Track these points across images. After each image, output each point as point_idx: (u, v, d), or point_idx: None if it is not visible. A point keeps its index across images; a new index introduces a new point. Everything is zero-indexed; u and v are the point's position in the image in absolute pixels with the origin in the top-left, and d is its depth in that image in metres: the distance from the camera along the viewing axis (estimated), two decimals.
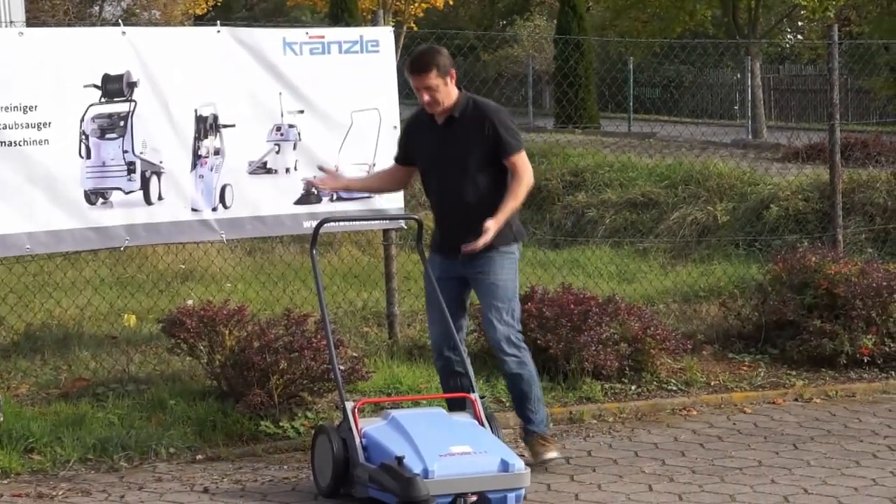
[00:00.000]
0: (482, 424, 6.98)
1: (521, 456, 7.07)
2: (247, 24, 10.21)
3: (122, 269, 11.87)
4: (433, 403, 7.64)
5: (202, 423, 7.96)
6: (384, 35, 9.40)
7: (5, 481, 7.27)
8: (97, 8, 33.62)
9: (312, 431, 7.25)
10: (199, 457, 7.73)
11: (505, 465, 6.54)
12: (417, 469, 6.39)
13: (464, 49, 16.81)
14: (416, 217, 7.77)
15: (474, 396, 7.13)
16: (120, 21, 12.70)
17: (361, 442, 6.73)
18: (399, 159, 7.65)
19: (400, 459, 6.40)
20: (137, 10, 33.26)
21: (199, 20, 33.46)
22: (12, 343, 9.33)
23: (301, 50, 9.12)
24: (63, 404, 8.13)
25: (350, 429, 6.79)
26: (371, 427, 6.82)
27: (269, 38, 9.10)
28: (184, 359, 8.63)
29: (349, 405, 6.87)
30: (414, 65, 7.21)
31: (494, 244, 7.26)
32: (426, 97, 7.20)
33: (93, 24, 25.48)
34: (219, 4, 36.40)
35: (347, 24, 22.93)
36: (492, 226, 7.12)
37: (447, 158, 7.29)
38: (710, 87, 33.90)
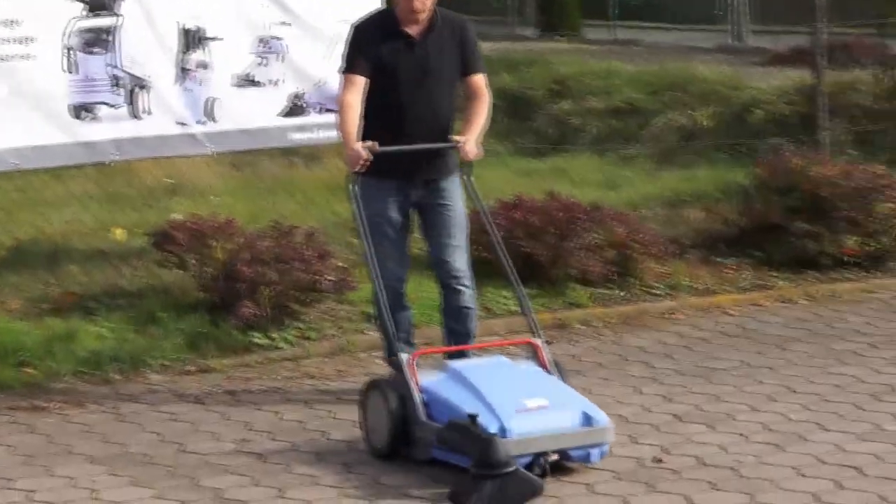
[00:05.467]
0: (549, 373, 6.44)
1: None
2: None
3: (110, 183, 11.88)
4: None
5: (193, 336, 8.04)
6: None
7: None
8: None
9: (363, 387, 6.52)
10: (190, 368, 7.83)
11: (587, 419, 6.02)
12: (493, 428, 5.80)
13: None
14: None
15: (538, 342, 6.53)
16: None
17: (422, 398, 6.13)
18: (364, 72, 6.78)
19: (473, 417, 5.79)
20: None
21: None
22: (1, 259, 9.36)
23: None
24: (54, 318, 8.19)
25: (407, 383, 6.18)
26: (430, 381, 6.20)
27: None
28: (173, 272, 8.68)
29: (404, 357, 6.27)
30: None
31: (454, 168, 6.92)
32: (418, 4, 6.70)
33: None
34: None
35: None
36: (472, 140, 6.74)
37: (427, 73, 6.81)
38: None
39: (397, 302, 6.87)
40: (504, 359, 6.53)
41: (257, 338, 8.06)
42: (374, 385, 6.39)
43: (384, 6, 6.99)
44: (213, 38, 8.90)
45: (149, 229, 9.62)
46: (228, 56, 8.95)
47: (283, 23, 9.12)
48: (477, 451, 5.67)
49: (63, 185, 10.97)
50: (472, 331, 7.01)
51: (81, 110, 8.53)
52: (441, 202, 6.90)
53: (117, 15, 8.59)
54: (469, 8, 25.64)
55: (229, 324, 8.04)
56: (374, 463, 6.25)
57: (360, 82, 6.75)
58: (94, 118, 8.57)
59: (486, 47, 18.87)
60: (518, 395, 6.07)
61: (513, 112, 16.26)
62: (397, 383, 6.24)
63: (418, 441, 6.10)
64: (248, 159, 13.19)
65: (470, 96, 6.94)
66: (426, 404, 6.09)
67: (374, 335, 8.25)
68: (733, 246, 10.05)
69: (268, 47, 9.07)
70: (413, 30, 6.82)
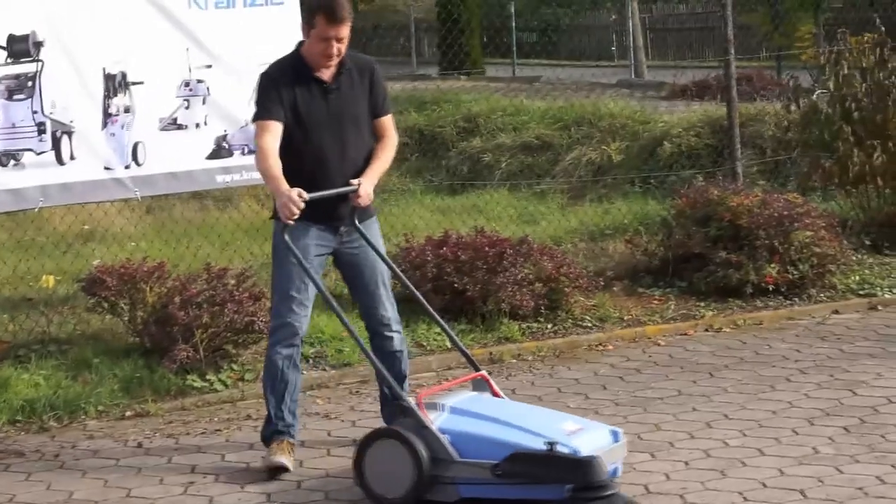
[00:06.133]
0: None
1: None
2: None
3: (22, 232, 11.78)
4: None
5: (129, 381, 8.00)
6: None
7: None
8: None
9: (360, 441, 6.27)
10: (128, 413, 7.78)
11: (615, 436, 6.15)
12: (567, 451, 5.84)
13: None
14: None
15: (484, 373, 6.61)
16: None
17: (448, 438, 6.03)
18: (279, 117, 6.58)
19: (552, 445, 5.81)
20: None
21: None
22: None
23: (206, 4, 9.10)
24: None
25: (423, 426, 6.05)
26: (442, 422, 6.11)
27: None
28: (104, 317, 8.64)
29: (412, 400, 6.18)
30: (338, 12, 6.53)
31: (373, 212, 6.87)
32: (332, 51, 6.56)
33: None
34: None
35: None
36: (369, 185, 6.59)
37: (342, 117, 6.68)
38: (588, 29, 34.17)
39: (290, 349, 6.75)
40: (481, 394, 6.47)
41: (193, 381, 8.03)
42: (383, 434, 6.19)
43: (296, 50, 6.76)
44: (136, 83, 8.85)
45: (76, 275, 9.62)
46: (153, 100, 8.89)
47: (206, 66, 9.11)
48: (577, 474, 5.71)
49: None
50: (404, 372, 6.97)
51: (6, 157, 8.44)
52: (362, 248, 6.77)
53: (39, 61, 8.52)
54: (369, 48, 25.88)
55: (164, 367, 8.01)
56: (323, 501, 6.27)
57: (277, 127, 6.57)
58: (19, 165, 8.48)
59: (393, 87, 19.07)
60: (550, 421, 6.17)
61: (424, 150, 16.42)
62: (411, 427, 6.07)
63: (447, 481, 5.99)
64: (161, 203, 13.17)
65: (377, 138, 6.83)
66: (452, 444, 6.02)
67: (310, 374, 8.30)
68: (657, 277, 10.23)
69: (191, 90, 9.05)
70: (324, 74, 6.68)
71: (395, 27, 34.38)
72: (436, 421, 6.08)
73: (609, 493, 5.75)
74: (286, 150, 6.59)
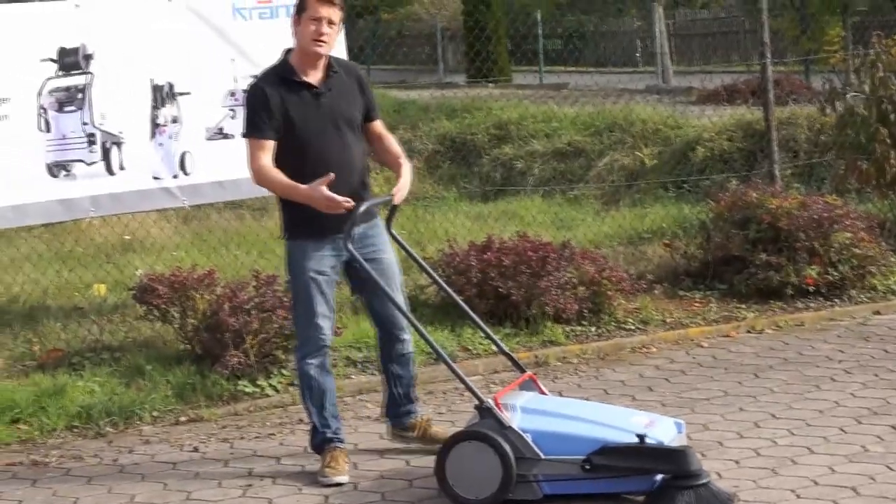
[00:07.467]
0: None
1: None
2: None
3: (60, 243, 11.92)
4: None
5: (181, 387, 8.10)
6: None
7: None
8: None
9: (441, 446, 6.29)
10: (182, 418, 7.88)
11: (679, 427, 6.28)
12: (653, 443, 5.98)
13: (367, 8, 16.88)
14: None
15: (532, 374, 6.72)
16: None
17: (529, 437, 6.10)
18: (272, 135, 6.55)
19: (642, 437, 5.94)
20: None
21: None
22: None
23: (250, 15, 9.27)
24: (41, 375, 8.21)
25: (504, 426, 6.12)
26: (520, 421, 6.17)
27: (218, 4, 9.23)
28: (154, 325, 8.75)
29: (491, 401, 6.22)
30: None
31: (375, 212, 6.83)
32: (325, 30, 6.51)
33: None
34: None
35: None
36: (404, 186, 6.60)
37: (337, 119, 6.62)
38: (613, 36, 34.26)
39: (320, 358, 6.79)
40: (540, 394, 6.56)
41: (245, 386, 8.13)
42: (466, 436, 6.20)
43: (282, 58, 6.73)
44: (183, 93, 9.00)
45: (118, 284, 9.76)
46: (199, 110, 9.05)
47: (251, 75, 9.18)
48: (674, 464, 5.88)
49: (13, 248, 11.03)
50: (414, 374, 7.09)
51: (57, 168, 8.58)
52: (372, 255, 6.74)
53: (89, 73, 8.67)
54: (396, 58, 26.00)
55: (216, 373, 8.11)
56: (380, 502, 6.37)
57: (269, 146, 6.53)
58: (70, 175, 8.63)
59: (422, 95, 19.17)
60: (620, 415, 6.34)
61: (456, 157, 16.49)
62: (494, 428, 6.13)
63: (529, 481, 6.05)
64: (197, 213, 13.29)
65: (376, 140, 6.82)
66: (534, 442, 6.09)
67: (359, 379, 8.40)
68: (696, 279, 10.31)
69: (236, 100, 9.17)
70: (313, 78, 6.63)
71: (420, 35, 34.54)
72: (513, 420, 6.15)
73: (703, 481, 5.90)
74: (285, 161, 6.54)
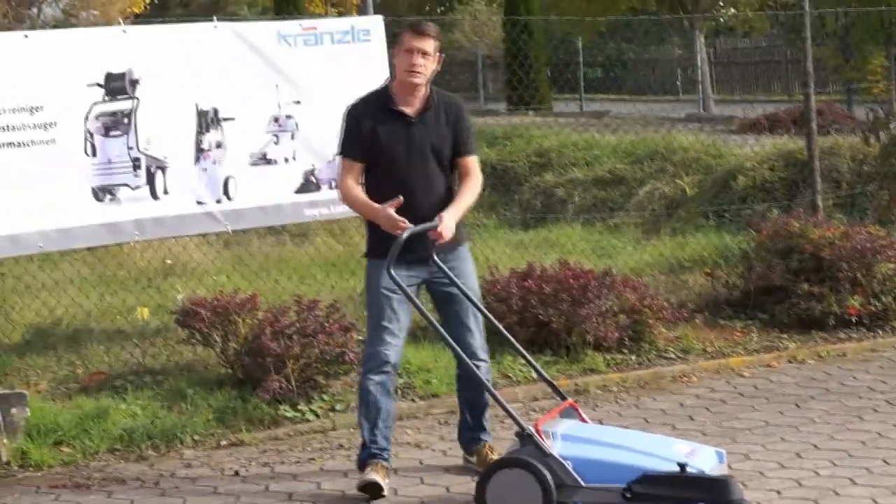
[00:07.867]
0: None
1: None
2: (239, 19, 10.37)
3: (103, 267, 12.00)
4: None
5: (223, 411, 8.13)
6: (375, 24, 9.61)
7: (39, 474, 7.43)
8: (35, 9, 33.46)
9: (482, 473, 6.34)
10: (223, 442, 7.91)
11: (720, 457, 6.27)
12: (694, 472, 5.98)
13: None
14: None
15: (572, 401, 6.72)
16: (121, 21, 12.77)
17: (570, 464, 6.12)
18: (359, 157, 6.87)
19: (683, 466, 5.95)
20: (75, 11, 33.14)
21: (138, 18, 33.41)
22: (21, 342, 9.45)
23: (295, 42, 9.32)
24: (84, 398, 8.26)
25: (547, 453, 6.15)
26: (560, 448, 6.19)
27: (264, 31, 9.31)
28: (196, 349, 8.80)
29: (531, 428, 6.26)
30: (422, 26, 6.84)
31: (461, 240, 6.98)
32: (418, 61, 6.74)
33: (88, 26, 25.43)
34: (156, 2, 36.35)
35: (292, 17, 23.02)
36: (451, 220, 6.66)
37: (426, 152, 6.84)
38: (654, 64, 34.28)
39: (380, 376, 6.86)
40: (580, 421, 6.56)
41: (286, 411, 8.15)
42: (507, 463, 6.22)
43: (385, 84, 6.96)
44: (227, 119, 9.05)
45: (160, 308, 9.82)
46: (243, 135, 9.10)
47: (295, 101, 9.29)
48: (715, 494, 5.85)
49: (59, 271, 11.10)
50: (487, 401, 7.11)
51: (102, 192, 8.64)
52: (451, 279, 6.89)
53: (135, 98, 8.73)
54: (438, 86, 26.08)
55: (257, 398, 8.14)
56: None
57: (357, 167, 6.87)
58: (115, 199, 8.68)
59: None
60: (661, 444, 6.35)
61: (497, 185, 16.53)
62: (534, 455, 6.15)
63: None
64: (238, 238, 13.35)
65: (461, 176, 6.95)
66: (575, 470, 6.11)
67: (399, 405, 8.39)
68: (737, 309, 10.29)
69: (280, 126, 9.23)
70: (409, 108, 6.86)
71: (462, 63, 34.62)
72: (553, 448, 6.17)
73: None
74: (371, 183, 6.88)
